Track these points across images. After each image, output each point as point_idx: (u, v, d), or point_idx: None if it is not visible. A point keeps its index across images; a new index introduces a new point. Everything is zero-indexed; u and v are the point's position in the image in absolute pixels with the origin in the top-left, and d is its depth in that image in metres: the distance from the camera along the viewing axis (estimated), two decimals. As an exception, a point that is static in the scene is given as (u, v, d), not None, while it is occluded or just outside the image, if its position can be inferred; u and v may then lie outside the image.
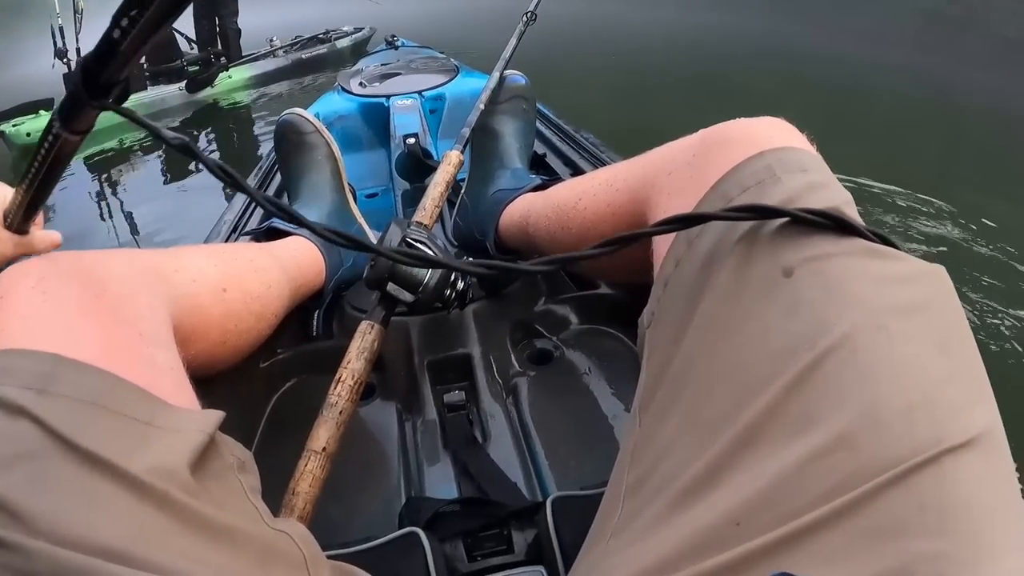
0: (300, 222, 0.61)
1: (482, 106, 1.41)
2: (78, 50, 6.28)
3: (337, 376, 0.91)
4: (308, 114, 1.39)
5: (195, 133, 6.49)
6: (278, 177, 1.98)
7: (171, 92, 7.01)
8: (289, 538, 0.64)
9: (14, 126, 5.85)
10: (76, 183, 5.18)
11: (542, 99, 2.01)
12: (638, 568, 0.55)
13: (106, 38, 0.46)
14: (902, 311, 0.53)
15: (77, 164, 5.65)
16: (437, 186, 1.21)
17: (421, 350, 1.13)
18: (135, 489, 0.53)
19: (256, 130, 6.56)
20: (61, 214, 4.41)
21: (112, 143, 6.04)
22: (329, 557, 0.67)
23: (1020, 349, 2.58)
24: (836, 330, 0.52)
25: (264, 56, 8.48)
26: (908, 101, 10.85)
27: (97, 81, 0.49)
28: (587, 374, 1.11)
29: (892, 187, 4.71)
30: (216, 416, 0.65)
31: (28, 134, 5.81)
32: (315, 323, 1.27)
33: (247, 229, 1.58)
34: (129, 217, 4.17)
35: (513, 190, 1.31)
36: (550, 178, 1.37)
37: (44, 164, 0.62)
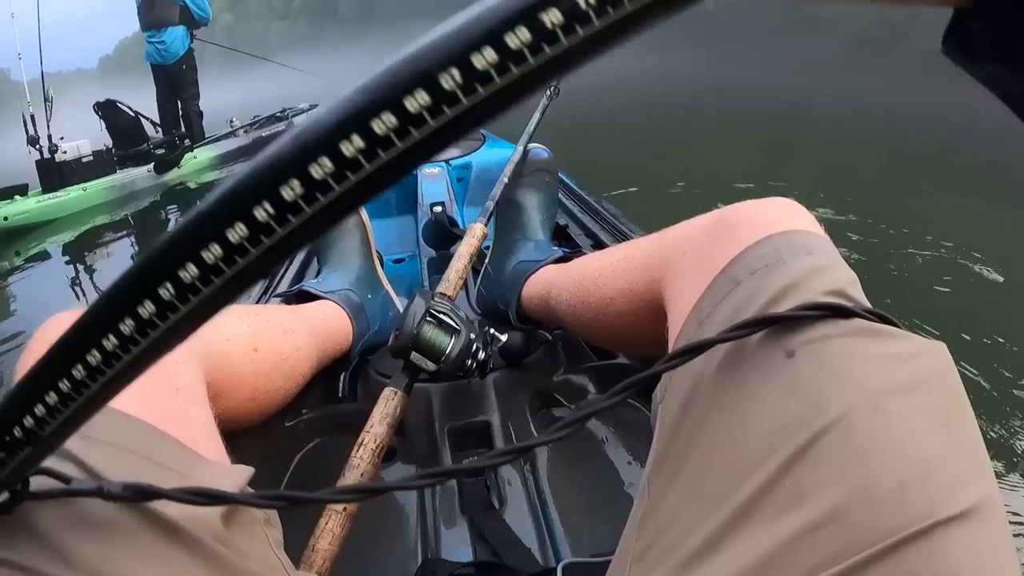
0: None
1: (506, 179, 1.45)
2: (49, 136, 6.41)
3: (360, 439, 0.94)
4: None
5: (165, 213, 6.58)
6: None
7: (140, 174, 7.12)
8: None
9: (-11, 211, 5.90)
10: (49, 270, 5.24)
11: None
12: None
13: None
14: (899, 390, 0.54)
15: (54, 250, 5.71)
16: (461, 258, 1.25)
17: (442, 416, 1.15)
18: (172, 534, 0.56)
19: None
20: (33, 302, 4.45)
21: (85, 226, 6.12)
22: None
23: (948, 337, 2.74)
24: (832, 410, 0.53)
25: (226, 136, 8.65)
26: (844, 122, 11.24)
27: None
28: (604, 443, 1.12)
29: (839, 205, 4.89)
30: (247, 472, 0.68)
31: (5, 218, 5.88)
32: (341, 385, 1.30)
33: (277, 291, 1.61)
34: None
35: (536, 262, 1.34)
36: (572, 250, 1.39)
37: None
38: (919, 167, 7.01)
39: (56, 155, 6.45)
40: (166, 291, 0.27)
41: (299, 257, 1.89)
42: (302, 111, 9.96)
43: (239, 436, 0.79)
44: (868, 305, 0.62)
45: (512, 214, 1.48)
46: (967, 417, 0.55)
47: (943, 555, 0.47)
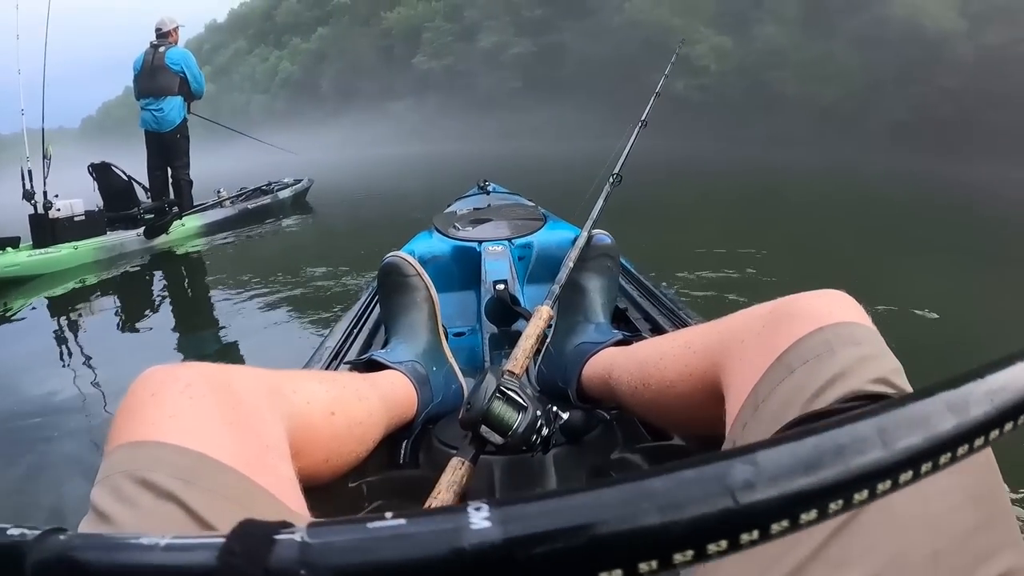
0: None
1: (571, 264, 1.48)
2: (44, 192, 6.52)
3: (427, 504, 0.96)
4: (411, 258, 1.48)
5: (151, 277, 6.67)
6: (375, 310, 2.05)
7: (130, 237, 7.19)
8: None
9: (-21, 262, 5.90)
10: (34, 323, 5.25)
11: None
12: None
13: None
14: None
15: (39, 303, 5.76)
16: (528, 338, 1.28)
17: (503, 488, 1.17)
18: None
19: (208, 275, 6.79)
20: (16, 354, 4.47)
21: (73, 283, 6.20)
22: None
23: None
24: None
25: (214, 206, 8.77)
26: (814, 192, 11.63)
27: None
28: None
29: (812, 272, 5.05)
30: None
31: (-6, 269, 5.90)
32: (403, 452, 1.33)
33: (347, 359, 1.67)
34: (88, 361, 4.28)
35: (597, 343, 1.37)
36: (631, 334, 1.43)
37: None
38: (887, 232, 7.30)
39: (50, 212, 6.50)
40: None
41: (367, 326, 1.97)
42: (287, 185, 10.21)
43: (309, 492, 0.79)
44: (910, 390, 0.67)
45: (575, 297, 1.52)
46: (1001, 492, 0.59)
47: None
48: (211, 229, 8.35)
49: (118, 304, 5.81)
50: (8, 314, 5.39)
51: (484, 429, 1.05)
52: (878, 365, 0.70)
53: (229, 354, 4.02)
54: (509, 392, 1.08)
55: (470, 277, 2.34)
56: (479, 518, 0.26)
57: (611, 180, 1.81)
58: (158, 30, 8.14)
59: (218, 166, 13.33)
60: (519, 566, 0.25)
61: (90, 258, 6.71)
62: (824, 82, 22.33)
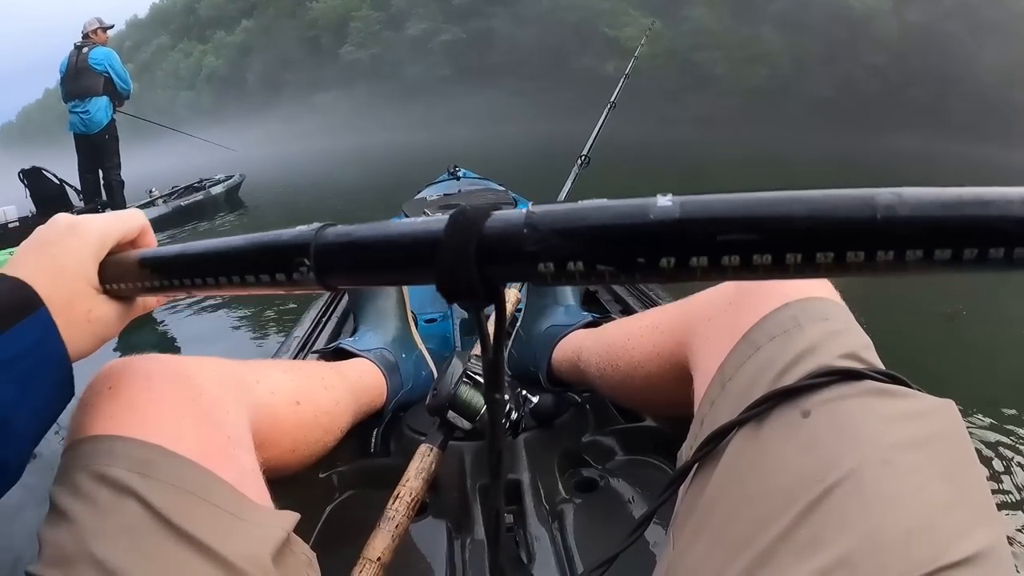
0: None
1: None
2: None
3: (396, 492, 0.96)
4: None
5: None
6: (344, 299, 2.03)
7: None
8: None
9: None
10: None
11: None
12: None
13: None
14: (908, 446, 0.57)
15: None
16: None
17: (474, 474, 1.16)
18: (227, 570, 0.60)
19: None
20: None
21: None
22: None
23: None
24: (845, 465, 0.56)
25: (146, 206, 8.65)
26: (744, 168, 11.92)
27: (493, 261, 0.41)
28: (630, 503, 1.12)
29: None
30: (293, 517, 0.71)
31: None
32: (374, 440, 1.32)
33: (316, 348, 1.65)
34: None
35: (566, 326, 1.37)
36: (600, 315, 1.42)
37: (225, 287, 0.56)
38: None
39: (-18, 220, 6.34)
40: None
41: (336, 315, 1.96)
42: (219, 181, 10.09)
43: (274, 485, 0.78)
44: (881, 367, 0.66)
45: None
46: (974, 469, 0.59)
47: None
48: None
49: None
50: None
51: (451, 414, 1.05)
52: (847, 340, 0.70)
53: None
54: (476, 376, 1.08)
55: None
56: (664, 200, 0.37)
57: (579, 162, 1.82)
58: (83, 31, 8.00)
59: (148, 167, 13.12)
60: (686, 234, 0.36)
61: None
62: (752, 62, 22.73)
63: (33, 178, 7.39)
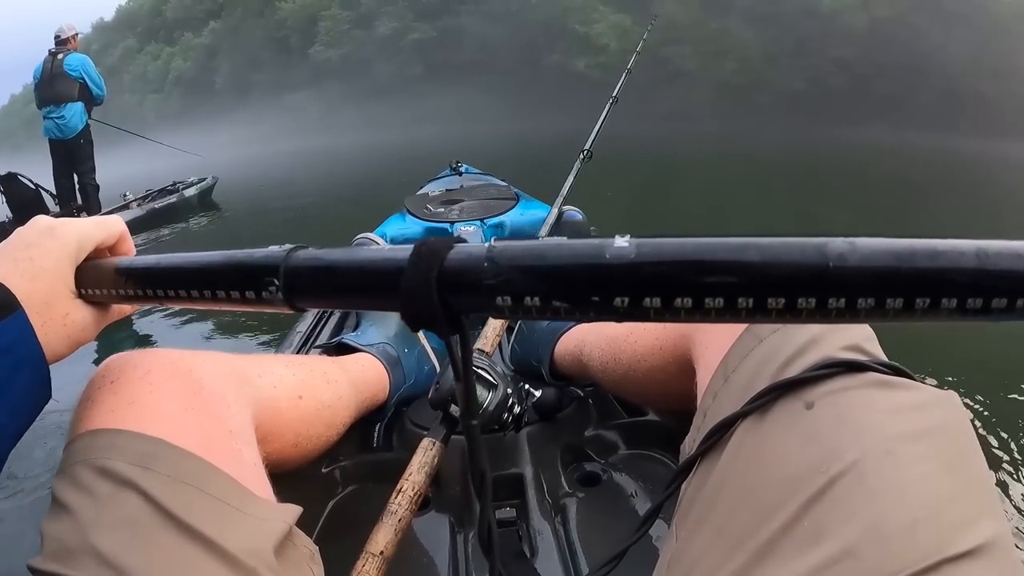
0: None
1: None
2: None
3: (398, 487, 0.95)
4: (380, 240, 1.45)
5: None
6: None
7: None
8: None
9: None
10: None
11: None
12: None
13: None
14: (911, 437, 0.57)
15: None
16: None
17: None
18: (228, 563, 0.60)
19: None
20: None
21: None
22: None
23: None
24: (848, 456, 0.56)
25: (120, 209, 8.67)
26: (716, 162, 12.00)
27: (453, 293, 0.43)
28: (633, 497, 1.12)
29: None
30: (295, 510, 0.71)
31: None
32: (376, 435, 1.32)
33: (318, 343, 1.65)
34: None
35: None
36: None
37: (199, 301, 0.56)
38: (788, 201, 7.65)
39: (-39, 227, 6.31)
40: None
41: (339, 310, 1.94)
42: (192, 184, 10.11)
43: (278, 479, 0.78)
44: (883, 358, 0.66)
45: None
46: (977, 460, 0.59)
47: None
48: None
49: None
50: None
51: (454, 408, 1.03)
52: (850, 331, 0.69)
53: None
54: (479, 370, 1.07)
55: None
56: (621, 242, 0.38)
57: (581, 156, 1.80)
58: (57, 37, 8.01)
59: (119, 172, 13.04)
60: (641, 276, 0.37)
61: (5, 270, 6.54)
62: (722, 56, 22.85)
63: (8, 184, 7.38)
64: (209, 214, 10.17)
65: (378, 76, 35.16)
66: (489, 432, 1.12)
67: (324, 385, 1.07)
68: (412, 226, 2.45)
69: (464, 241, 0.44)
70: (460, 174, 3.46)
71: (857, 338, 0.68)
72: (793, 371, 0.66)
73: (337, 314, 1.95)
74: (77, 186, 8.22)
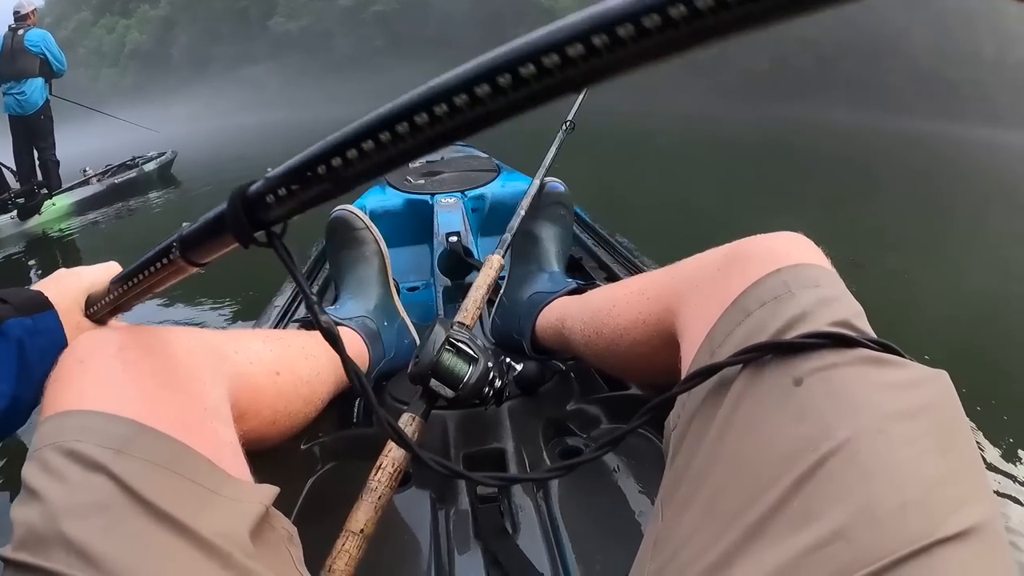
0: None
1: (523, 212, 1.45)
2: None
3: (378, 463, 0.94)
4: (359, 211, 1.44)
5: (30, 262, 6.49)
6: (326, 267, 2.00)
7: (5, 221, 7.17)
8: None
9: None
10: None
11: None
12: None
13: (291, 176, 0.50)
14: (902, 416, 0.57)
15: None
16: (479, 288, 1.25)
17: (458, 443, 1.15)
18: (202, 547, 0.58)
19: (89, 256, 6.61)
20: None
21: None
22: None
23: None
24: (839, 434, 0.56)
25: (82, 184, 8.74)
26: (681, 140, 12.14)
27: (256, 215, 0.53)
28: (615, 472, 1.11)
29: (687, 217, 5.44)
30: (272, 491, 0.70)
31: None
32: (356, 411, 1.31)
33: (296, 317, 1.63)
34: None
35: (550, 293, 1.34)
36: (585, 282, 1.39)
37: (150, 279, 0.68)
38: (754, 180, 7.77)
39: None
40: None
41: (317, 284, 1.95)
42: (151, 159, 10.15)
43: (256, 457, 0.78)
44: (873, 335, 0.65)
45: (528, 246, 1.50)
46: (967, 441, 0.58)
47: (943, 572, 0.49)
48: (82, 207, 8.32)
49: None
50: None
51: (434, 382, 1.02)
52: (839, 307, 0.68)
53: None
54: (459, 343, 1.06)
55: (423, 230, 2.31)
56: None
57: (563, 127, 1.78)
58: (16, 13, 7.94)
59: (78, 147, 12.89)
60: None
61: (-33, 245, 6.59)
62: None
63: (-32, 162, 7.36)
64: (169, 188, 10.20)
65: (339, 49, 34.89)
66: (470, 406, 1.10)
67: (302, 360, 1.06)
68: (392, 198, 2.46)
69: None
70: None
71: (846, 314, 0.67)
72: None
73: (316, 287, 1.94)
74: (37, 162, 8.22)
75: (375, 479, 0.92)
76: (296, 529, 0.75)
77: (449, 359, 1.04)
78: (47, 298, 0.77)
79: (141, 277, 0.68)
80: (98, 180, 9.01)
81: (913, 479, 0.53)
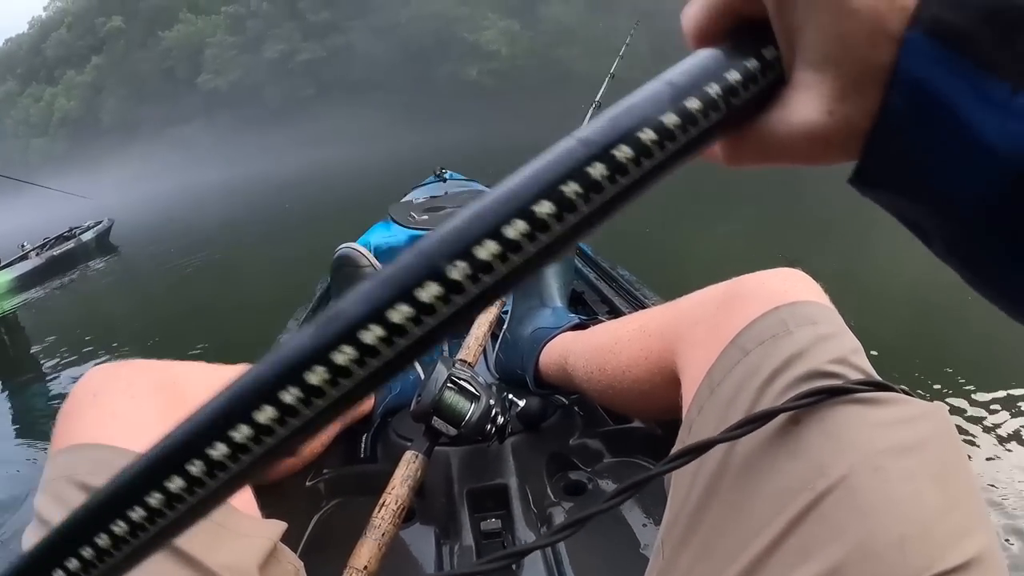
0: None
1: None
2: None
3: (381, 500, 0.94)
4: (363, 249, 1.45)
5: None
6: (330, 303, 2.03)
7: None
8: None
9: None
10: None
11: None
12: None
13: None
14: (899, 451, 0.56)
15: None
16: (481, 325, 1.26)
17: (461, 479, 1.14)
18: None
19: (38, 335, 6.51)
20: None
21: None
22: None
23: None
24: (834, 472, 0.55)
25: (20, 259, 8.65)
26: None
27: None
28: (620, 506, 1.06)
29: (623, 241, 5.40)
30: (280, 526, 0.71)
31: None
32: (362, 446, 1.30)
33: None
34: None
35: (553, 329, 1.34)
36: (588, 317, 1.40)
37: None
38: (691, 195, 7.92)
39: None
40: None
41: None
42: (88, 228, 10.07)
43: (261, 493, 0.78)
44: (871, 371, 0.65)
45: (530, 282, 1.47)
46: (965, 474, 0.58)
47: None
48: (23, 283, 8.21)
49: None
50: None
51: (436, 421, 1.03)
52: (836, 345, 0.67)
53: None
54: (461, 381, 1.06)
55: None
56: None
57: None
58: None
59: (13, 222, 12.77)
60: None
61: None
62: (611, 55, 23.11)
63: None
64: (110, 256, 10.13)
65: (270, 101, 34.80)
66: (473, 443, 1.11)
67: None
68: (397, 234, 2.43)
69: None
70: (444, 180, 3.43)
71: (844, 351, 0.66)
72: (778, 385, 0.65)
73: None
74: None
75: (379, 516, 0.92)
76: (303, 564, 0.75)
77: (451, 397, 1.04)
78: None
79: None
80: (37, 254, 8.93)
81: (911, 513, 0.52)
